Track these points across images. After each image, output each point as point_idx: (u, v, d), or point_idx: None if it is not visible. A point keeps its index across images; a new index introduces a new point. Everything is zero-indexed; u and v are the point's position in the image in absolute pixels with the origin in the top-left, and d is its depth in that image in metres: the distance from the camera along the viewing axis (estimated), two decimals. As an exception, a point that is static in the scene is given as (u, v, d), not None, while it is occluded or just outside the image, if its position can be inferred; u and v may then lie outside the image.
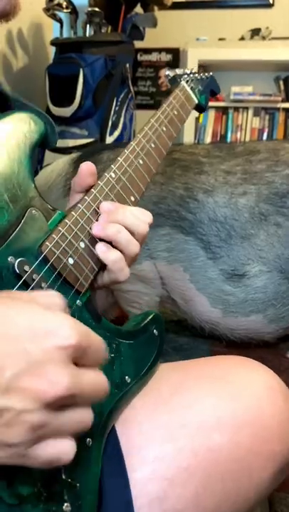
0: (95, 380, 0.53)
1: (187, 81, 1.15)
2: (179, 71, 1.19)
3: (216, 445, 0.73)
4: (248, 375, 0.81)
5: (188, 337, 1.97)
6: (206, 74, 1.28)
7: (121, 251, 0.77)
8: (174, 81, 1.15)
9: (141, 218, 0.79)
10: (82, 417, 0.52)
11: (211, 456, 0.72)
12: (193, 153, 1.67)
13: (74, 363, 0.51)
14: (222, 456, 0.73)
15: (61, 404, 0.49)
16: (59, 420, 0.50)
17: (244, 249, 1.54)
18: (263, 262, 1.54)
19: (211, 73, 1.29)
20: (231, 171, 1.60)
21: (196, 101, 1.16)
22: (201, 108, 1.20)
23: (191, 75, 1.19)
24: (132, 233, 0.77)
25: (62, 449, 0.50)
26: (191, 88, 1.15)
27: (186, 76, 1.17)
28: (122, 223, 0.77)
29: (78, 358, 0.51)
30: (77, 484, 0.62)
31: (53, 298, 0.55)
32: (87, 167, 0.81)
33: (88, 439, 0.66)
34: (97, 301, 1.75)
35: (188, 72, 1.21)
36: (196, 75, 1.22)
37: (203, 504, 0.72)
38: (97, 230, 0.76)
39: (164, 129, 0.99)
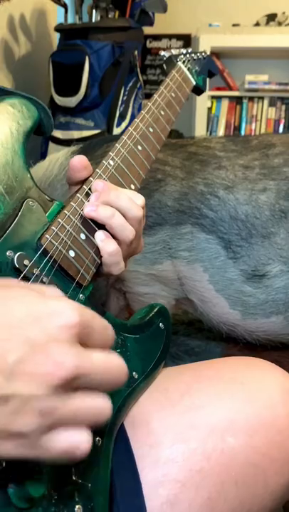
0: (106, 361, 0.52)
1: (184, 61, 1.15)
2: (174, 51, 1.18)
3: (229, 448, 0.73)
4: (262, 377, 0.81)
5: (201, 340, 1.96)
6: (203, 54, 1.27)
7: (115, 237, 0.77)
8: (170, 62, 1.14)
9: (135, 201, 0.80)
10: (97, 404, 0.51)
11: (224, 460, 0.73)
12: (208, 146, 1.67)
13: (83, 345, 0.51)
14: (236, 460, 0.73)
15: (70, 386, 0.48)
16: (70, 406, 0.49)
17: (265, 249, 1.54)
18: (284, 262, 1.54)
19: (208, 53, 1.28)
20: (250, 166, 1.61)
21: (194, 82, 1.16)
22: (199, 90, 1.20)
23: (188, 56, 1.19)
24: (125, 217, 0.78)
25: (75, 440, 0.49)
26: (188, 69, 1.15)
27: (182, 56, 1.17)
28: (116, 205, 0.77)
29: (84, 339, 0.51)
30: (89, 485, 0.62)
31: (50, 288, 0.56)
32: (78, 160, 0.81)
33: (97, 438, 0.66)
34: (110, 306, 1.76)
35: (185, 52, 1.20)
36: (193, 55, 1.22)
37: (217, 509, 0.72)
38: (88, 210, 0.76)
39: (162, 112, 0.99)
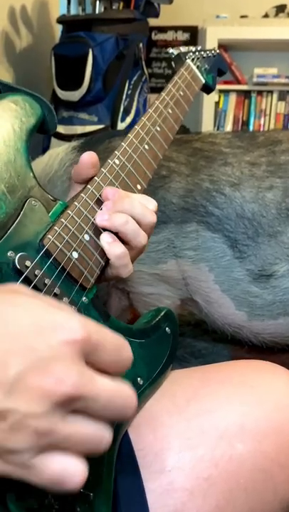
0: (113, 389, 0.50)
1: (193, 59, 1.16)
2: (183, 49, 1.20)
3: (238, 454, 0.73)
4: (270, 381, 0.82)
5: (207, 342, 1.96)
6: (213, 52, 1.28)
7: (128, 243, 0.77)
8: (179, 59, 1.15)
9: (148, 207, 0.80)
10: (96, 432, 0.49)
11: (232, 466, 0.73)
12: (214, 142, 1.68)
13: (91, 365, 0.50)
14: (245, 466, 0.73)
15: (70, 407, 0.47)
16: (68, 428, 0.47)
17: (271, 248, 1.55)
18: (291, 261, 1.55)
19: (217, 51, 1.29)
20: (256, 163, 1.61)
21: (203, 81, 1.17)
22: (208, 88, 1.22)
23: (197, 53, 1.21)
24: (139, 224, 0.78)
25: (69, 468, 0.47)
26: (197, 67, 1.16)
27: (191, 54, 1.18)
28: (129, 213, 0.77)
29: (92, 357, 0.50)
30: (90, 494, 0.61)
31: (61, 303, 0.54)
32: (89, 157, 0.81)
33: None
34: (111, 306, 1.75)
35: (194, 49, 1.22)
36: (202, 52, 1.23)
37: None
38: (101, 219, 0.76)
39: (170, 111, 1.00)
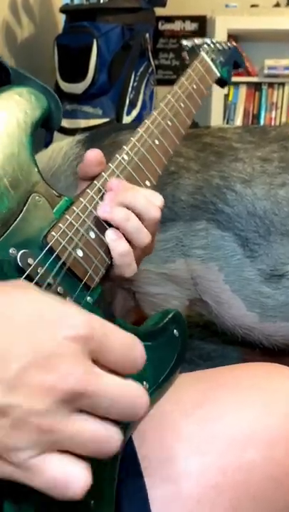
0: (121, 387, 0.49)
1: (207, 52, 1.16)
2: (197, 41, 1.20)
3: (248, 462, 0.73)
4: (282, 384, 0.81)
5: (217, 344, 1.96)
6: (229, 44, 1.28)
7: (130, 241, 0.77)
8: (193, 52, 1.15)
9: (153, 201, 0.79)
10: (102, 432, 0.48)
11: (242, 474, 0.72)
12: (224, 137, 1.68)
13: (99, 365, 0.49)
14: (255, 475, 0.73)
15: (74, 404, 0.47)
16: (72, 427, 0.47)
17: (284, 247, 1.55)
18: (304, 261, 1.55)
19: (234, 43, 1.29)
20: (268, 159, 1.61)
21: (218, 74, 1.17)
22: (223, 82, 1.23)
23: (212, 45, 1.21)
24: (141, 219, 0.77)
25: (71, 472, 0.47)
26: (212, 60, 1.16)
27: (206, 46, 1.18)
28: (132, 206, 0.77)
29: (98, 355, 0.49)
30: (92, 502, 0.60)
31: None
32: (94, 155, 0.81)
33: None
34: (116, 307, 1.75)
35: (209, 42, 1.22)
36: (218, 45, 1.23)
37: None
38: (103, 211, 0.75)
39: (182, 105, 0.99)
